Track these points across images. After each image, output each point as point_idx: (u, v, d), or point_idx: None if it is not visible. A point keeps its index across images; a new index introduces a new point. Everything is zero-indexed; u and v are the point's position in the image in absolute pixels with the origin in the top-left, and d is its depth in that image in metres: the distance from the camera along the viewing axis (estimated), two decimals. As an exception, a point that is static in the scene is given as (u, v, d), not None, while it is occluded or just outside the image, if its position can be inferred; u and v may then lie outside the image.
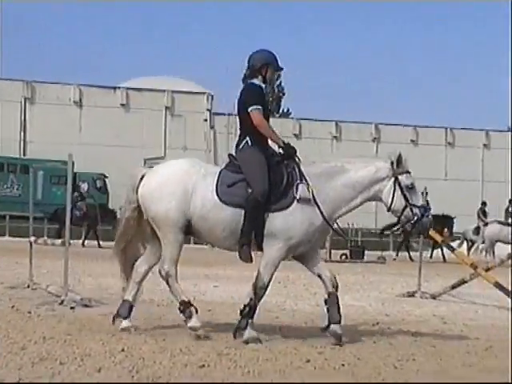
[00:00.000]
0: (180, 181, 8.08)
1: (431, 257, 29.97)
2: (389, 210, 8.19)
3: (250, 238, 7.93)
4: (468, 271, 13.09)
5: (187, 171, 8.14)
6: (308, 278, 13.01)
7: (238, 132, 8.34)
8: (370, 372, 6.60)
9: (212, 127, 57.21)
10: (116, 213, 35.26)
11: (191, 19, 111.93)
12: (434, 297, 13.46)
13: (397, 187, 8.12)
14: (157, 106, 55.24)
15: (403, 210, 8.12)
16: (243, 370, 6.51)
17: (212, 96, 57.21)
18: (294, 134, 56.60)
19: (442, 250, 29.51)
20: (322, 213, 7.97)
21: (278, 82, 78.75)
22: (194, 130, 55.82)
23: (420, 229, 8.31)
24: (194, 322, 8.03)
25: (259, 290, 7.96)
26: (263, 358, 6.99)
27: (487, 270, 12.90)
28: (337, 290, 8.16)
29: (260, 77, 8.32)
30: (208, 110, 57.01)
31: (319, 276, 8.25)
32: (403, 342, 8.43)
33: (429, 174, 51.97)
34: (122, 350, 7.10)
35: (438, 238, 16.06)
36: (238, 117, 8.35)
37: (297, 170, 8.07)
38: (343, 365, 6.85)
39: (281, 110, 78.43)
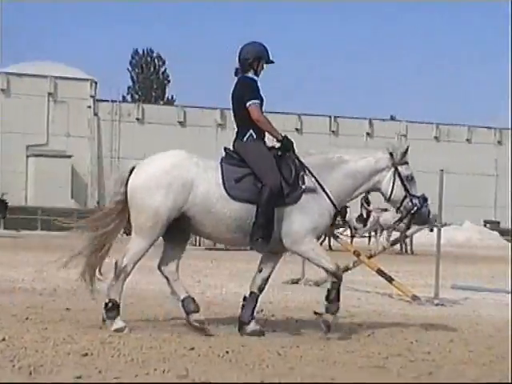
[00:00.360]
0: (178, 173, 7.83)
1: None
2: (388, 200, 8.31)
3: (264, 232, 7.82)
4: (351, 258, 13.26)
5: (184, 163, 7.91)
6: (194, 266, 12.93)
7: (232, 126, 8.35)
8: (253, 359, 6.59)
9: (96, 114, 56.50)
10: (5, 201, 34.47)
11: (75, 6, 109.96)
12: (317, 284, 13.56)
13: (396, 177, 8.21)
14: (39, 92, 54.22)
15: (403, 200, 8.23)
16: (127, 358, 6.43)
17: (96, 82, 56.56)
18: (179, 122, 56.65)
19: (327, 238, 29.87)
20: (331, 200, 8.03)
21: (162, 69, 78.42)
22: (78, 117, 55.08)
23: (420, 219, 8.44)
24: (118, 323, 7.75)
25: (336, 272, 8.04)
26: (147, 346, 6.92)
27: (370, 257, 13.12)
28: (260, 293, 8.26)
29: (252, 70, 8.21)
30: (92, 96, 56.31)
31: (260, 271, 8.26)
32: (287, 329, 8.47)
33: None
34: (3, 340, 6.92)
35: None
36: (232, 110, 8.23)
37: (297, 162, 8.09)
38: (227, 352, 6.83)
39: (165, 97, 78.03)
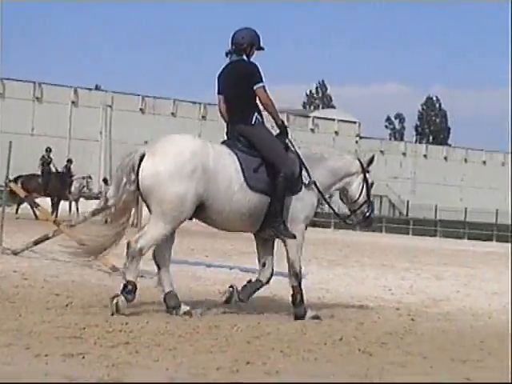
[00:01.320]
0: (200, 160, 7.62)
1: (17, 212, 29.39)
2: (353, 201, 8.81)
3: (281, 218, 8.00)
4: (52, 228, 12.99)
5: (202, 148, 7.71)
6: None
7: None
8: None
9: None
10: None
11: None
12: (15, 253, 13.19)
13: (364, 183, 8.80)
14: None
15: (363, 204, 8.82)
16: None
17: None
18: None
19: (31, 206, 29.08)
20: (321, 192, 8.38)
21: None
22: None
23: (369, 222, 9.01)
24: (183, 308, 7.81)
25: (299, 274, 8.29)
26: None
27: (71, 226, 12.90)
28: (267, 283, 8.63)
29: (244, 54, 8.19)
30: None
31: (263, 265, 8.53)
32: None
33: (15, 128, 51.25)
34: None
35: (21, 193, 15.79)
36: (227, 93, 8.13)
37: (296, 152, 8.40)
38: None
39: None
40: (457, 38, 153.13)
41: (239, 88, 8.09)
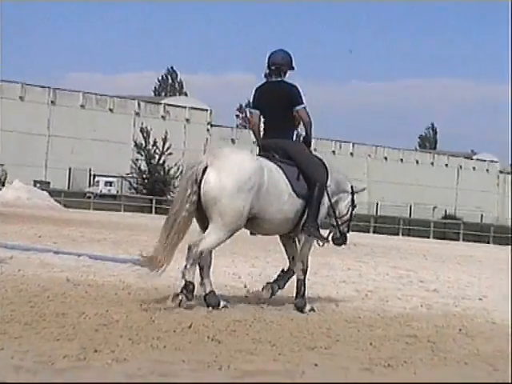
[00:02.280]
0: (257, 177, 8.22)
1: None
2: (339, 217, 9.33)
3: (317, 221, 8.75)
4: None
5: (257, 165, 8.30)
6: None
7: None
8: None
9: None
10: None
11: None
12: None
13: (351, 204, 9.45)
14: None
15: (345, 222, 9.42)
16: None
17: None
18: None
19: None
20: (330, 200, 9.04)
21: None
22: None
23: (344, 240, 9.55)
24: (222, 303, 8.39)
25: (307, 270, 8.99)
26: None
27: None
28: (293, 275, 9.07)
29: (281, 74, 8.82)
30: None
31: (292, 258, 9.09)
32: None
33: None
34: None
35: None
36: (271, 111, 8.74)
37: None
38: None
39: None
40: (312, 27, 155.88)
41: (283, 108, 8.77)
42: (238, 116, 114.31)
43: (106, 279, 10.32)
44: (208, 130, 73.13)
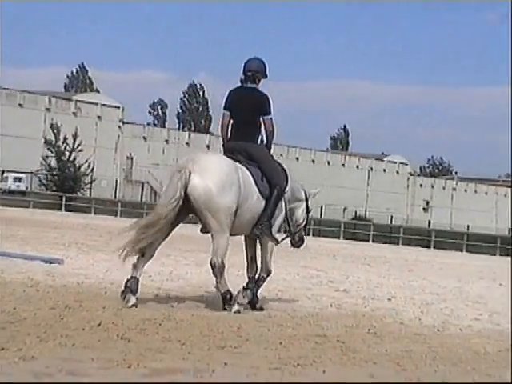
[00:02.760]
0: (235, 174, 8.69)
1: None
2: (296, 225, 9.83)
3: (270, 220, 9.16)
4: None
5: (233, 165, 8.78)
6: None
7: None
8: None
9: None
10: None
11: None
12: None
13: (306, 210, 9.94)
14: None
15: (301, 227, 9.91)
16: None
17: None
18: None
19: None
20: (286, 206, 9.49)
21: None
22: None
23: (301, 243, 10.06)
24: (237, 306, 8.85)
25: (270, 271, 9.65)
26: None
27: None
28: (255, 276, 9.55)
29: (255, 82, 9.22)
30: None
31: (251, 259, 9.58)
32: None
33: None
34: None
35: None
36: (241, 116, 9.13)
37: None
38: None
39: None
40: (224, 27, 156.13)
41: (252, 114, 9.19)
42: (150, 113, 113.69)
43: (13, 276, 10.15)
44: (120, 127, 72.50)
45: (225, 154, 9.14)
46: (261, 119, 9.23)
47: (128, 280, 8.59)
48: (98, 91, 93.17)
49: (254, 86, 9.25)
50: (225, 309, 8.82)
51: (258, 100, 9.22)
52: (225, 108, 9.31)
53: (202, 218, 8.78)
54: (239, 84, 9.31)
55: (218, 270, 8.73)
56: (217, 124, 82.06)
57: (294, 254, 22.23)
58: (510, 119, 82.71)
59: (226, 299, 8.89)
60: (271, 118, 9.28)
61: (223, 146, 9.38)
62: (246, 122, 9.18)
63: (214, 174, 8.57)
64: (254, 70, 9.24)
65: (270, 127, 9.28)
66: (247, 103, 9.17)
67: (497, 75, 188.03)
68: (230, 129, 9.33)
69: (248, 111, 9.15)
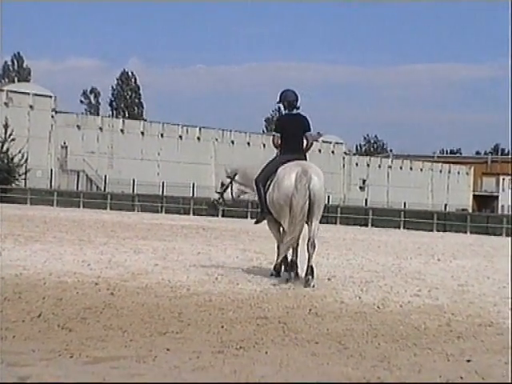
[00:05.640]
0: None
1: None
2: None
3: None
4: None
5: None
6: None
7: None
8: None
9: None
10: None
11: None
12: None
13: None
14: None
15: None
16: None
17: None
18: None
19: None
20: None
21: None
22: None
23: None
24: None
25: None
26: None
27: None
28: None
29: (295, 108, 11.83)
30: None
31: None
32: None
33: None
34: None
35: None
36: (294, 134, 11.57)
37: None
38: None
39: None
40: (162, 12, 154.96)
41: (299, 132, 11.65)
42: (82, 102, 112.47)
43: None
44: (53, 116, 71.55)
45: (285, 162, 11.31)
46: (304, 134, 11.73)
47: (291, 262, 11.21)
48: (28, 81, 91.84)
49: (295, 111, 11.81)
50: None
51: (303, 120, 11.82)
52: (277, 131, 11.74)
53: (313, 209, 10.86)
54: (282, 109, 12.08)
55: (314, 248, 10.78)
56: (149, 110, 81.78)
57: (234, 237, 22.31)
58: (510, 117, 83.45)
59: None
60: (311, 133, 11.92)
61: (280, 156, 11.67)
62: (297, 138, 11.66)
63: (322, 177, 11.17)
64: (293, 100, 11.79)
65: (311, 140, 11.89)
66: (299, 125, 11.72)
67: (434, 52, 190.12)
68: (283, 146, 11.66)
69: (299, 131, 11.69)
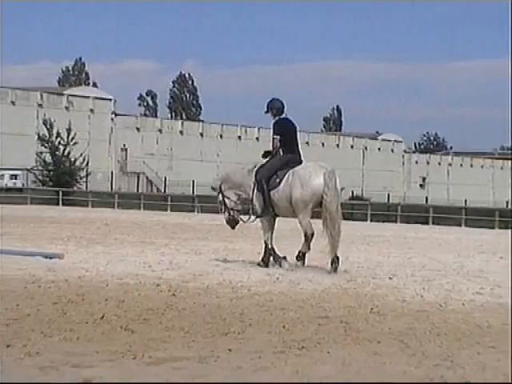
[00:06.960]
0: None
1: None
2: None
3: None
4: None
5: None
6: None
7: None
8: None
9: None
10: None
11: None
12: None
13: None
14: None
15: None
16: None
17: None
18: None
19: None
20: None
21: None
22: None
23: None
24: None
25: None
26: None
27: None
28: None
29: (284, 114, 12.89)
30: None
31: None
32: None
33: None
34: None
35: None
36: (294, 138, 12.65)
37: None
38: None
39: None
40: (213, 14, 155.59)
41: (295, 135, 12.71)
42: (139, 105, 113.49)
43: (14, 273, 10.15)
44: (112, 119, 72.38)
45: (288, 161, 12.24)
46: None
47: (299, 253, 12.38)
48: (88, 85, 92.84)
49: (284, 116, 12.75)
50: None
51: (293, 124, 12.82)
52: (277, 134, 12.46)
53: (329, 207, 11.79)
54: (267, 114, 12.84)
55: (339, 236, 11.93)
56: (206, 111, 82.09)
57: (294, 237, 22.25)
58: (510, 116, 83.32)
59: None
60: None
61: (272, 156, 12.54)
62: (294, 141, 12.60)
63: (336, 176, 11.95)
64: (281, 107, 12.74)
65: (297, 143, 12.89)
66: (292, 129, 12.71)
67: (488, 48, 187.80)
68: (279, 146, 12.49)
69: (294, 134, 12.68)
